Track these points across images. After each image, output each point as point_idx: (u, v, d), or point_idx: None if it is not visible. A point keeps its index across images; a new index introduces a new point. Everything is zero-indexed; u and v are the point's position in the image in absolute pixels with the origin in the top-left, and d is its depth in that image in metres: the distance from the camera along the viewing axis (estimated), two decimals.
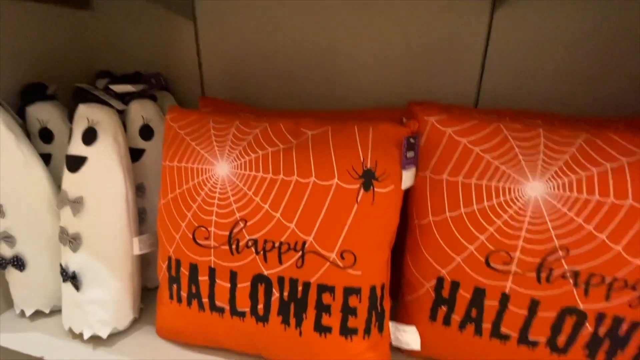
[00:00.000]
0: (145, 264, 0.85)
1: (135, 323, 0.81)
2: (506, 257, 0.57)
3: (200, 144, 0.66)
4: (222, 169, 0.64)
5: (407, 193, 0.64)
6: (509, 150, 0.57)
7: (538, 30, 0.70)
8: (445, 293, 0.62)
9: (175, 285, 0.69)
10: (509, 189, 0.56)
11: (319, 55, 0.84)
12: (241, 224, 0.62)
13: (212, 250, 0.64)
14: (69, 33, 0.95)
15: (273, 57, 0.88)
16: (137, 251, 0.77)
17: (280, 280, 0.61)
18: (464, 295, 0.61)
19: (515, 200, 0.55)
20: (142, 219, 0.83)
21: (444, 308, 0.62)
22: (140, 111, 0.80)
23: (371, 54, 0.80)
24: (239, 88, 0.93)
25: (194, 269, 0.66)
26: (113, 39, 0.99)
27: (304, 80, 0.87)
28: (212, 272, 0.65)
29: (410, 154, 0.58)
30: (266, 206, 0.61)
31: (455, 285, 0.61)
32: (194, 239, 0.65)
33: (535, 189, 0.54)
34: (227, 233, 0.63)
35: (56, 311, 0.84)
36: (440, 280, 0.62)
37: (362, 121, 0.62)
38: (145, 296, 0.87)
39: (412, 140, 0.58)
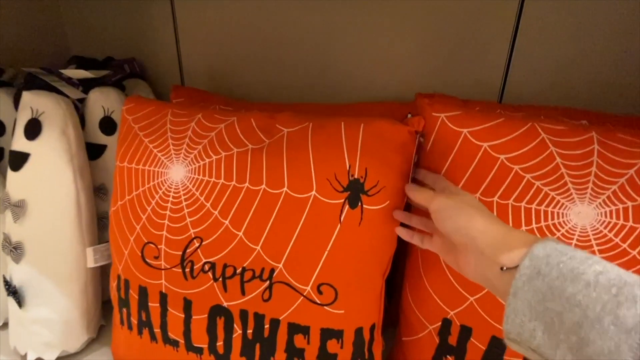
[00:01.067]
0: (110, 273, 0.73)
1: (92, 343, 0.69)
2: None
3: (155, 141, 0.53)
4: (177, 173, 0.51)
5: (406, 209, 0.49)
6: (548, 161, 0.41)
7: (579, 11, 0.54)
8: (452, 340, 0.47)
9: (125, 310, 0.56)
10: (553, 214, 0.40)
11: (312, 40, 0.70)
12: (196, 243, 0.48)
13: (162, 272, 0.51)
14: (41, 16, 0.84)
15: (259, 43, 0.74)
16: (91, 263, 0.65)
17: (243, 314, 0.48)
18: (477, 345, 0.46)
19: (563, 225, 0.40)
20: (103, 226, 0.71)
21: (450, 358, 0.48)
22: (101, 101, 0.68)
23: (374, 37, 0.65)
24: (222, 77, 0.80)
25: (143, 292, 0.53)
26: (87, 22, 0.88)
27: (294, 69, 0.73)
28: (163, 299, 0.51)
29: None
30: (226, 222, 0.47)
31: (465, 332, 0.46)
32: (142, 257, 0.52)
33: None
34: (180, 253, 0.49)
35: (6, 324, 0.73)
36: (447, 323, 0.48)
37: (354, 116, 0.47)
38: (110, 310, 0.75)
39: (421, 139, 0.44)
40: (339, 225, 0.44)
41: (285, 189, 0.45)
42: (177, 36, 0.80)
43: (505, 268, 0.29)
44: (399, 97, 0.66)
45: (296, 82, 0.74)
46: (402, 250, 0.51)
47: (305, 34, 0.70)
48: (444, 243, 0.40)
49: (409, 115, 0.48)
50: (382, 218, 0.44)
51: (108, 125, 0.68)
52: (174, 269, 0.50)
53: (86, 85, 0.69)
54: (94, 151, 0.68)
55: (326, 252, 0.44)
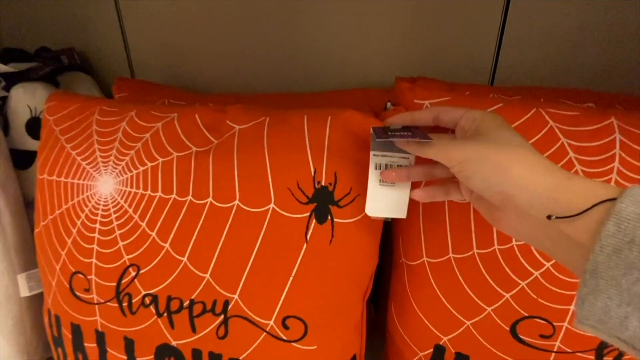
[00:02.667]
0: None
1: None
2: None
3: (78, 146, 0.42)
4: (106, 186, 0.40)
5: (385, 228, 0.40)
6: (559, 156, 0.32)
7: None
8: None
9: (60, 350, 0.45)
10: None
11: (275, 21, 0.59)
12: (132, 272, 0.38)
13: (96, 307, 0.40)
14: None
15: (216, 28, 0.62)
16: (25, 292, 0.53)
17: (196, 354, 0.38)
18: None
19: None
20: None
21: None
22: (26, 99, 0.56)
23: (348, 15, 0.55)
24: (176, 68, 0.68)
25: (77, 331, 0.42)
26: (19, 10, 0.74)
27: (258, 56, 0.62)
28: (100, 338, 0.41)
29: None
30: (166, 245, 0.37)
31: None
32: (71, 289, 0.41)
33: None
34: (114, 284, 0.39)
35: None
36: (440, 350, 0.39)
37: (322, 107, 0.37)
38: None
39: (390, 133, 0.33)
40: (305, 245, 0.34)
41: (236, 202, 0.35)
42: (121, 23, 0.68)
43: (568, 235, 0.21)
44: (378, 84, 0.56)
45: (260, 71, 0.63)
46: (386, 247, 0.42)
47: (268, 15, 0.59)
48: (474, 192, 0.29)
49: (389, 104, 0.39)
50: (358, 233, 0.35)
51: (36, 127, 0.56)
52: (108, 303, 0.40)
53: (12, 81, 0.56)
54: (22, 159, 0.56)
55: (291, 279, 0.35)
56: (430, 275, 0.39)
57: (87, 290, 0.41)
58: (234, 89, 0.66)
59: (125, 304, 0.39)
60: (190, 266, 0.36)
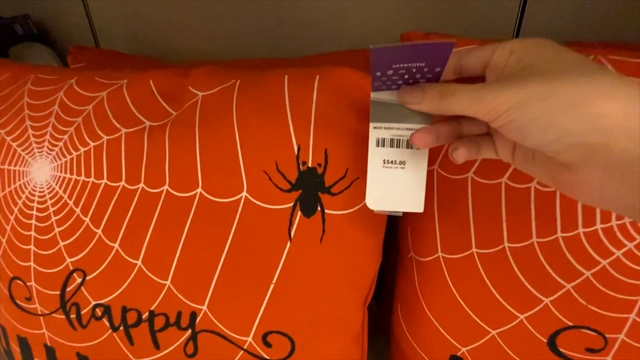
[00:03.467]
0: None
1: None
2: None
3: (7, 124, 0.33)
4: (41, 172, 0.31)
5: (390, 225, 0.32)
6: None
7: None
8: None
9: None
10: None
11: None
12: (77, 278, 0.30)
13: (41, 319, 0.33)
14: None
15: None
16: None
17: None
18: None
19: None
20: None
21: None
22: None
23: None
24: (146, 37, 0.58)
25: (24, 345, 0.35)
26: None
27: (236, 18, 0.52)
28: (50, 354, 0.34)
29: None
30: (116, 245, 0.29)
31: None
32: (11, 298, 0.34)
33: None
34: (58, 293, 0.31)
35: None
36: None
37: (307, 66, 0.28)
38: None
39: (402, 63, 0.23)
40: (288, 244, 0.26)
41: (199, 189, 0.27)
42: None
43: None
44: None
45: (240, 37, 0.53)
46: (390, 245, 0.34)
47: None
48: (521, 149, 0.21)
49: None
50: (357, 228, 0.27)
51: None
52: (54, 314, 0.32)
53: None
54: None
55: (272, 286, 0.27)
56: (446, 274, 0.31)
57: (29, 300, 0.33)
58: (211, 57, 0.56)
59: (73, 316, 0.31)
60: (146, 271, 0.29)
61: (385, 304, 0.45)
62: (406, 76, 0.21)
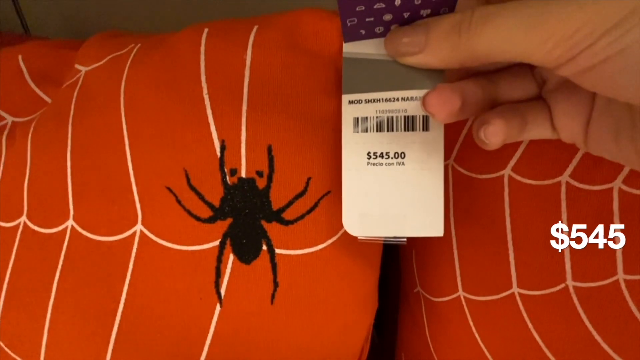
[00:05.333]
0: None
1: None
2: None
3: None
4: None
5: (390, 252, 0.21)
6: None
7: None
8: None
9: None
10: None
11: None
12: None
13: None
14: None
15: None
16: None
17: None
18: None
19: None
20: None
21: None
22: None
23: None
24: (86, 18, 0.47)
25: None
26: None
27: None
28: None
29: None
30: None
31: None
32: None
33: None
34: None
35: None
36: None
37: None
38: None
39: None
40: (217, 308, 0.15)
41: (70, 222, 0.16)
42: None
43: None
44: None
45: (187, 12, 0.42)
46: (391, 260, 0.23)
47: None
48: (603, 119, 0.12)
49: None
50: (334, 273, 0.16)
51: None
52: None
53: None
54: None
55: None
56: (471, 323, 0.20)
57: None
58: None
59: None
60: (7, 350, 0.18)
61: (386, 330, 0.34)
62: (391, 13, 0.11)
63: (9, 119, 0.19)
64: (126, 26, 0.45)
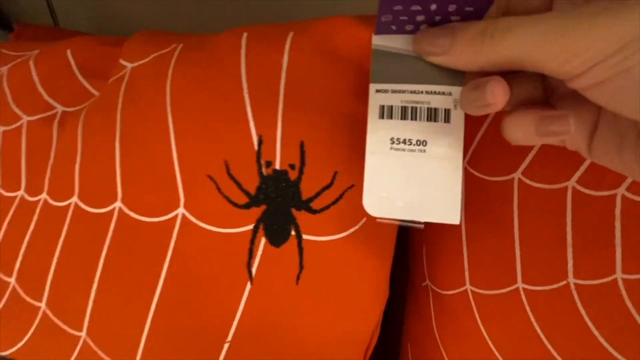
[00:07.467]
0: None
1: None
2: None
3: None
4: None
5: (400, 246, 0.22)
6: None
7: None
8: None
9: None
10: None
11: None
12: None
13: None
14: None
15: None
16: None
17: None
18: None
19: None
20: None
21: None
22: None
23: None
24: (107, 13, 0.49)
25: None
26: None
27: None
28: None
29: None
30: (12, 281, 0.20)
31: None
32: None
33: None
34: None
35: None
36: None
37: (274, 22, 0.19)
38: None
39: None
40: (248, 286, 0.17)
41: (117, 204, 0.18)
42: None
43: None
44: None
45: (215, 12, 0.44)
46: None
47: None
48: (607, 130, 0.13)
49: None
50: (353, 259, 0.18)
51: None
52: None
53: None
54: None
55: (225, 346, 0.18)
56: (476, 315, 0.22)
57: None
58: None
59: None
60: (52, 317, 0.20)
61: (390, 327, 0.36)
62: (424, 15, 0.12)
63: (60, 108, 0.21)
64: (152, 23, 0.48)
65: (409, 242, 0.27)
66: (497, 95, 0.13)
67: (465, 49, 0.12)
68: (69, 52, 0.22)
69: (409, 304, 0.28)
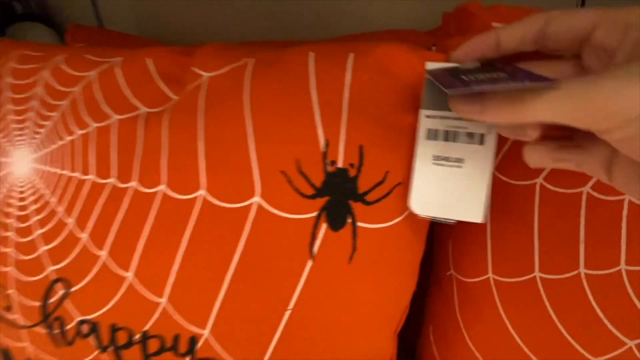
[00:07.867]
0: None
1: None
2: None
3: None
4: (22, 165, 0.26)
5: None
6: None
7: None
8: None
9: None
10: None
11: None
12: (61, 289, 0.25)
13: (24, 331, 0.28)
14: None
15: None
16: None
17: None
18: None
19: None
20: None
21: None
22: None
23: None
24: (155, 17, 0.53)
25: (7, 357, 0.31)
26: None
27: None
28: None
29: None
30: (104, 254, 0.24)
31: None
32: None
33: None
34: (39, 304, 0.26)
35: None
36: None
37: (339, 42, 0.22)
38: None
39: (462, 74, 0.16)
40: (309, 263, 0.21)
41: (202, 191, 0.22)
42: None
43: None
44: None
45: (259, 18, 0.48)
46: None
47: None
48: (625, 165, 0.15)
49: (434, 49, 0.23)
50: (395, 246, 0.21)
51: None
52: (36, 328, 0.27)
53: None
54: None
55: (287, 312, 0.21)
56: (497, 300, 0.25)
57: (9, 309, 0.28)
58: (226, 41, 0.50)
59: (57, 331, 0.27)
60: (138, 285, 0.23)
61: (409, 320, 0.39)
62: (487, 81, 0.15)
63: (143, 109, 0.25)
64: (191, 24, 0.51)
65: (434, 238, 0.30)
66: (533, 135, 0.16)
67: (498, 112, 0.14)
68: (149, 60, 0.26)
69: (432, 290, 0.31)
